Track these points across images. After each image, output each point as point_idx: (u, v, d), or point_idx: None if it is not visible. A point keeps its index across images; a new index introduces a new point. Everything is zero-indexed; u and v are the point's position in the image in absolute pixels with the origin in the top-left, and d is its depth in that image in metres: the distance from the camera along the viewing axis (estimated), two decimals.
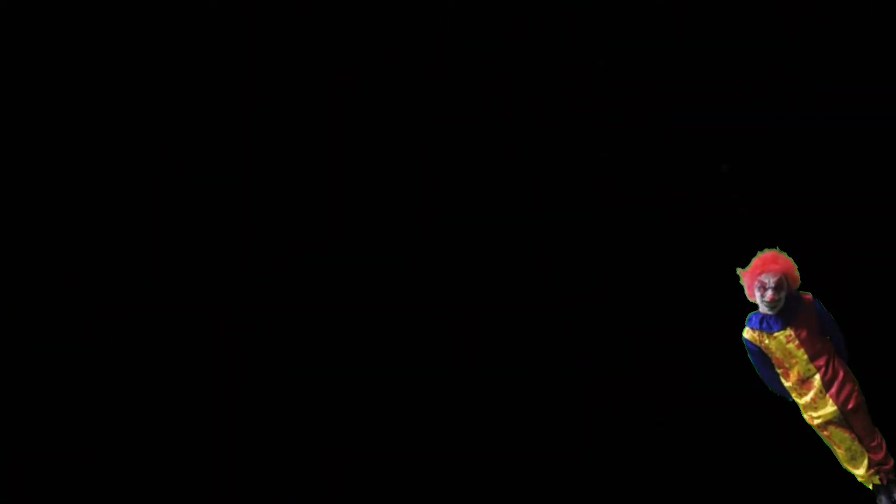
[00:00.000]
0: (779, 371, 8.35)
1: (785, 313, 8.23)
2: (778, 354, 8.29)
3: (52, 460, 10.25)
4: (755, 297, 8.26)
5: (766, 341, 8.28)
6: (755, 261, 8.30)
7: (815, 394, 8.28)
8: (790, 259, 8.30)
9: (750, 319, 8.34)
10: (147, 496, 10.16)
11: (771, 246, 8.34)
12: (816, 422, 8.34)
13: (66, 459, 10.24)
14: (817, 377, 8.26)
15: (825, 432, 8.36)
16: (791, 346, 8.24)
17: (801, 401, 8.35)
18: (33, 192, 10.59)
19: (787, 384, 8.37)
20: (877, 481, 8.42)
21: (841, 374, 8.28)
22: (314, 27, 10.62)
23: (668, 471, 9.69)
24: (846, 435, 8.34)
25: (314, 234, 10.57)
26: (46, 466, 10.24)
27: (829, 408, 8.28)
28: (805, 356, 8.24)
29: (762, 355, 8.34)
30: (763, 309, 8.26)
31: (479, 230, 10.52)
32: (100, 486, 10.19)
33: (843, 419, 8.31)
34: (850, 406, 8.28)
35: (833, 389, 8.27)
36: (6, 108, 10.58)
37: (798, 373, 8.27)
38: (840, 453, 8.41)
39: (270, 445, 10.30)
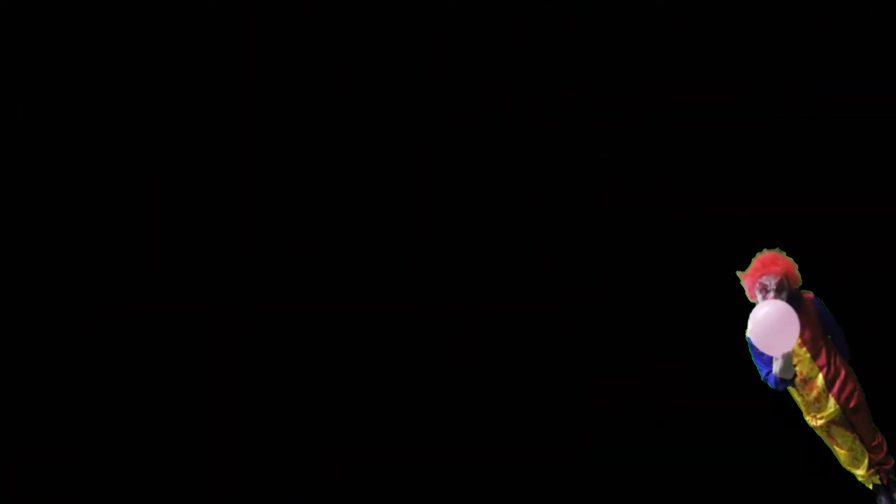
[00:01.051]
0: None
1: None
2: None
3: (52, 460, 10.24)
4: (757, 298, 8.24)
5: None
6: (755, 262, 8.28)
7: (818, 393, 8.26)
8: (790, 259, 8.29)
9: None
10: (147, 496, 10.15)
11: (771, 246, 8.33)
12: (819, 422, 8.33)
13: (66, 459, 10.23)
14: (820, 376, 8.25)
15: (828, 432, 8.35)
16: (794, 345, 8.23)
17: (804, 401, 8.34)
18: (33, 192, 10.59)
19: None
20: (877, 481, 8.41)
21: (843, 373, 8.26)
22: (314, 27, 10.61)
23: (668, 471, 9.69)
24: (848, 434, 8.33)
25: (314, 234, 10.57)
26: (46, 466, 10.23)
27: (831, 407, 8.27)
28: (808, 355, 8.23)
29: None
30: None
31: (479, 230, 10.52)
32: (100, 486, 10.19)
33: (845, 418, 8.30)
34: (851, 405, 8.27)
35: (835, 388, 8.26)
36: (6, 109, 10.58)
37: (801, 372, 8.26)
38: (842, 454, 8.39)
39: (270, 445, 10.30)
